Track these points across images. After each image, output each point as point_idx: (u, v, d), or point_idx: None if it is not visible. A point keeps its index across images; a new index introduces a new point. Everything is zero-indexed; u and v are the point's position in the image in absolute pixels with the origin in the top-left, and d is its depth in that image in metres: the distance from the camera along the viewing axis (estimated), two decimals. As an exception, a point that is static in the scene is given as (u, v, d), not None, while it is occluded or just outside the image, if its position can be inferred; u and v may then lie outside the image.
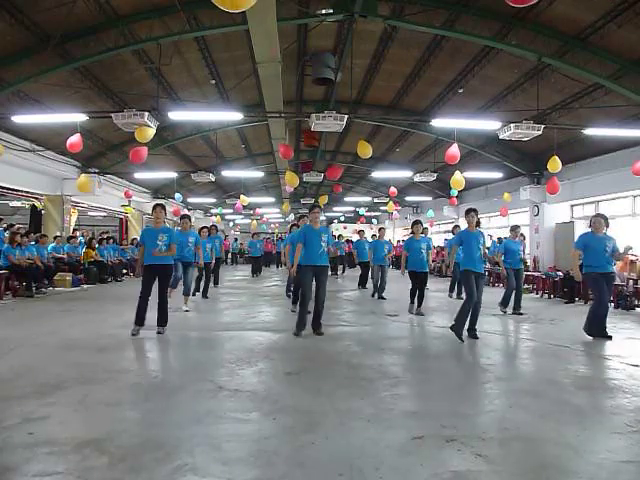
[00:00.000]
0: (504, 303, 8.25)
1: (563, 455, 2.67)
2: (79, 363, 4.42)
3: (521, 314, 8.01)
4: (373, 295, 10.33)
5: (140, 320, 5.79)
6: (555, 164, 9.89)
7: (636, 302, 9.10)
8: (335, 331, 6.38)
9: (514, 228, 8.76)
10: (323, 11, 8.10)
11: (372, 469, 2.45)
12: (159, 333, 5.89)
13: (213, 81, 11.45)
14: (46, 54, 8.18)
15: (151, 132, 9.26)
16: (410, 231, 8.44)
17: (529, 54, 8.36)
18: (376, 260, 10.32)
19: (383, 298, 9.97)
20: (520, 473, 2.46)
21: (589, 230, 6.30)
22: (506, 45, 8.44)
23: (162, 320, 6.00)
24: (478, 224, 6.16)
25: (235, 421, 3.10)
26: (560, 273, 11.24)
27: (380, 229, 11.18)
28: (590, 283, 6.38)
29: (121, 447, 2.64)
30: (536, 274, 12.72)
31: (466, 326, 5.83)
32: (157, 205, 6.17)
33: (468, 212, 6.13)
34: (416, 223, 8.21)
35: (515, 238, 8.62)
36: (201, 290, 9.98)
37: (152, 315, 5.96)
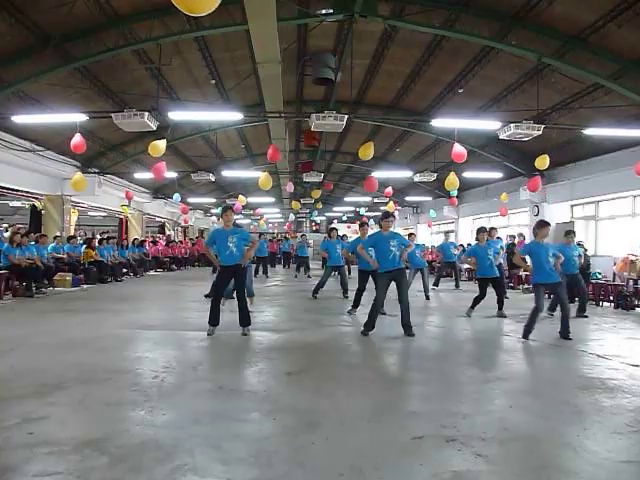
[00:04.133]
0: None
1: (563, 455, 2.67)
2: (79, 363, 4.41)
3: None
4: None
5: (214, 320, 5.88)
6: (543, 161, 10.02)
7: (636, 302, 9.10)
8: (335, 331, 6.38)
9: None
10: (323, 11, 8.10)
11: (372, 469, 2.45)
12: (244, 335, 5.87)
13: (213, 81, 11.45)
14: (46, 54, 8.19)
15: (162, 146, 9.40)
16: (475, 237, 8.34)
17: (529, 54, 8.36)
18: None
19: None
20: (520, 473, 2.46)
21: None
22: (506, 45, 8.44)
23: (244, 321, 5.96)
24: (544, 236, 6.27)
25: (235, 421, 3.09)
26: (560, 273, 11.22)
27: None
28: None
29: (121, 447, 2.64)
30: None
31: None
32: (228, 208, 6.20)
33: (544, 225, 6.30)
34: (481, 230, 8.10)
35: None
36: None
37: (153, 315, 5.96)
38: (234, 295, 8.54)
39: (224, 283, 6.10)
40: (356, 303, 7.90)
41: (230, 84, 11.41)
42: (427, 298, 10.24)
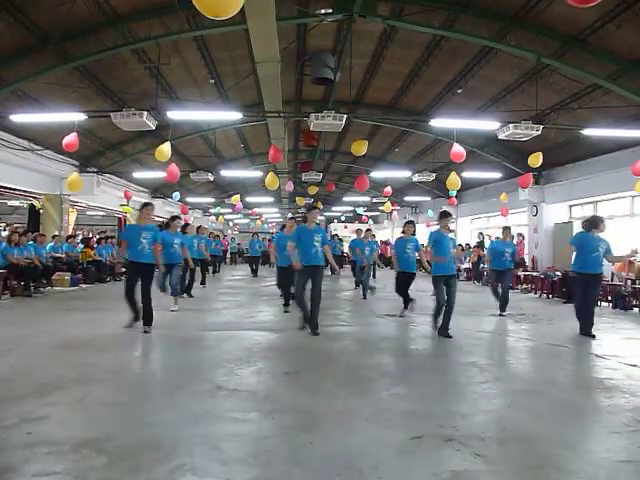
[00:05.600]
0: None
1: (562, 455, 2.67)
2: (78, 363, 4.41)
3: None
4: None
5: (137, 313, 5.92)
6: (536, 159, 10.11)
7: (634, 302, 9.12)
8: (334, 331, 6.38)
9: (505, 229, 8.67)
10: (322, 11, 8.09)
11: (371, 469, 2.45)
12: (146, 332, 5.86)
13: (212, 80, 11.43)
14: (45, 53, 8.16)
15: (167, 151, 9.50)
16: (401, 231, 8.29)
17: (528, 54, 8.36)
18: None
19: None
20: (519, 473, 2.47)
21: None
22: (505, 45, 8.44)
23: (148, 320, 5.97)
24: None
25: (234, 421, 3.10)
26: (559, 273, 11.26)
27: (358, 229, 11.06)
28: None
29: (120, 447, 2.64)
30: (535, 274, 12.74)
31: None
32: (148, 204, 6.31)
33: (445, 215, 6.34)
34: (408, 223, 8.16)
35: (506, 239, 8.49)
36: (185, 288, 9.68)
37: (157, 316, 5.96)
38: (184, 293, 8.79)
39: (133, 280, 5.99)
40: (286, 299, 7.99)
41: (229, 84, 11.39)
42: (364, 297, 10.19)
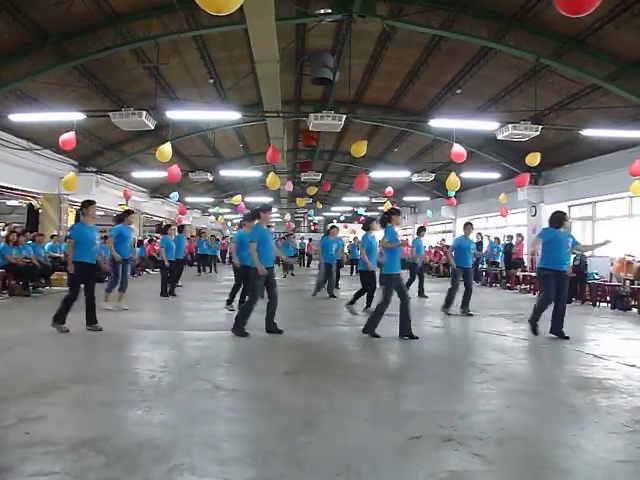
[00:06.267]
0: (447, 305, 7.94)
1: (560, 455, 2.67)
2: (76, 362, 4.40)
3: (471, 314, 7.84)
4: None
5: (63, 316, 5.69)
6: (533, 158, 10.12)
7: (633, 302, 9.12)
8: (332, 331, 6.38)
9: (466, 225, 8.53)
10: (322, 11, 8.10)
11: (370, 469, 2.44)
12: (91, 330, 5.77)
13: (211, 80, 11.43)
14: (44, 52, 8.16)
15: (168, 151, 9.54)
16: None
17: (527, 55, 8.38)
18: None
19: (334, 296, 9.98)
20: (517, 473, 2.47)
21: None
22: (504, 46, 8.46)
23: (92, 319, 5.85)
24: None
25: (232, 421, 3.09)
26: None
27: (332, 227, 10.83)
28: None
29: (118, 447, 2.63)
30: (533, 274, 12.73)
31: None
32: (93, 202, 6.15)
33: (566, 218, 6.32)
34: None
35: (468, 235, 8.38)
36: (168, 289, 9.81)
37: (150, 315, 5.95)
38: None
39: (84, 282, 5.84)
40: (231, 298, 7.97)
41: (228, 83, 11.39)
42: (313, 295, 10.10)
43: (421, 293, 10.75)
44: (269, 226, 6.31)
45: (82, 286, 5.77)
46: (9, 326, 6.26)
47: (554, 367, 4.68)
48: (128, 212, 8.16)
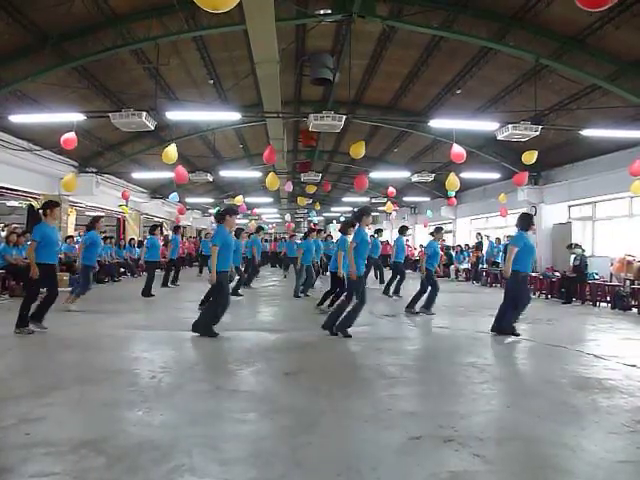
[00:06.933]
0: (427, 306, 7.89)
1: (560, 455, 2.67)
2: (76, 363, 4.40)
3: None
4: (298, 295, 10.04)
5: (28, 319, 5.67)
6: (530, 156, 10.17)
7: (633, 302, 9.12)
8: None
9: (438, 230, 8.60)
10: (321, 11, 8.11)
11: (370, 469, 2.45)
12: (38, 329, 5.74)
13: (211, 81, 11.43)
14: (44, 53, 8.16)
15: (173, 153, 9.58)
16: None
17: (527, 55, 8.38)
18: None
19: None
20: (518, 473, 2.47)
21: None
22: (504, 46, 8.46)
23: (42, 316, 5.83)
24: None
25: (233, 421, 3.09)
26: (558, 274, 11.27)
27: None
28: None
29: (118, 447, 2.63)
30: (534, 274, 12.73)
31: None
32: (58, 203, 6.14)
33: (533, 221, 6.39)
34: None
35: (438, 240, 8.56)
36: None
37: (151, 316, 5.94)
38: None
39: (45, 283, 5.83)
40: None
41: (228, 84, 11.39)
42: (305, 295, 9.98)
43: (387, 291, 10.47)
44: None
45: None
46: (9, 326, 6.24)
47: (554, 367, 4.68)
48: (97, 218, 8.19)
